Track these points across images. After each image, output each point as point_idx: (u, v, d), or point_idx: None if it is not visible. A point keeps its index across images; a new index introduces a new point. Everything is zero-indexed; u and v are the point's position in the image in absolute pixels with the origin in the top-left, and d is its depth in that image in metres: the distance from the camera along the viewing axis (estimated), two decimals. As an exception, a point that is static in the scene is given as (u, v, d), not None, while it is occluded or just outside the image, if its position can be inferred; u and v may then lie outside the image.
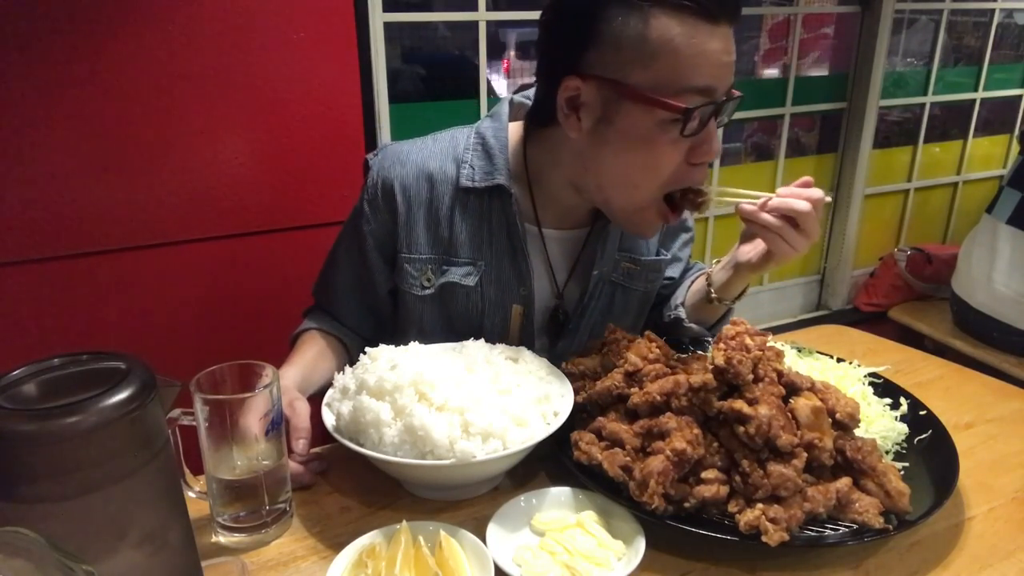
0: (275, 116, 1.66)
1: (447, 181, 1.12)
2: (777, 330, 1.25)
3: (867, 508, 0.79)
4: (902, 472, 0.87)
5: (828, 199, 1.00)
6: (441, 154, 1.13)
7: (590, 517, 0.82)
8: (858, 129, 2.75)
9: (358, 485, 0.93)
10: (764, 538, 0.75)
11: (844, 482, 0.81)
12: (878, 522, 0.78)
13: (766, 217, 0.98)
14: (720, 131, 1.02)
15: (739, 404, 0.80)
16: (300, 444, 0.92)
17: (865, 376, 1.10)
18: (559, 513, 0.84)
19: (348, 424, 0.88)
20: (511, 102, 1.16)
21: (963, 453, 0.90)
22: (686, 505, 0.80)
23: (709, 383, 0.83)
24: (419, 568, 0.74)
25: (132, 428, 0.60)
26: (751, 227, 1.02)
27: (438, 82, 2.10)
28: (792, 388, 0.87)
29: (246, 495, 0.82)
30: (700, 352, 1.10)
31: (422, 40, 2.17)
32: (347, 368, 0.99)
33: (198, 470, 0.84)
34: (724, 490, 0.81)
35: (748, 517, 0.77)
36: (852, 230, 2.90)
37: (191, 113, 1.58)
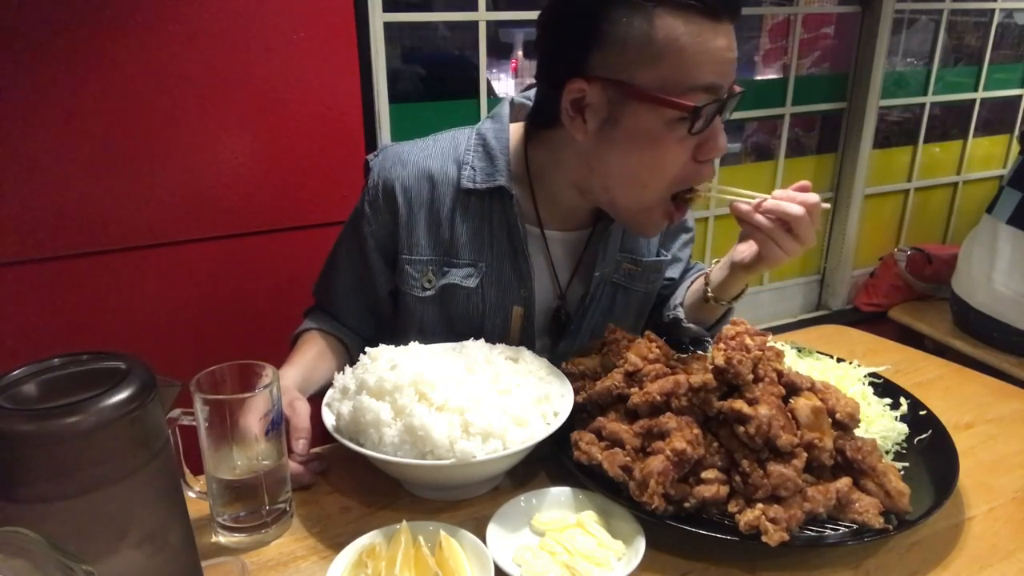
0: (275, 116, 1.66)
1: (448, 182, 1.12)
2: (777, 330, 1.25)
3: (867, 508, 0.79)
4: (902, 472, 0.87)
5: (826, 205, 0.99)
6: (442, 155, 1.13)
7: (590, 517, 0.82)
8: (858, 129, 2.75)
9: (358, 485, 0.93)
10: (764, 538, 0.75)
11: (844, 482, 0.81)
12: (878, 522, 0.78)
13: (759, 218, 0.98)
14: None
15: (739, 404, 0.80)
16: (300, 444, 0.92)
17: (865, 376, 1.10)
18: (559, 513, 0.84)
19: (348, 424, 0.88)
20: (511, 103, 1.16)
21: (963, 453, 0.90)
22: (686, 505, 0.80)
23: (709, 383, 0.83)
24: (419, 568, 0.74)
25: (132, 428, 0.60)
26: (744, 227, 1.02)
27: (438, 82, 2.10)
28: (792, 388, 0.87)
29: (246, 495, 0.82)
30: (700, 352, 1.10)
31: (422, 40, 2.17)
32: (347, 368, 0.99)
33: (198, 470, 0.84)
34: (724, 490, 0.81)
35: (748, 517, 0.77)
36: (852, 230, 2.90)
37: (191, 113, 1.58)
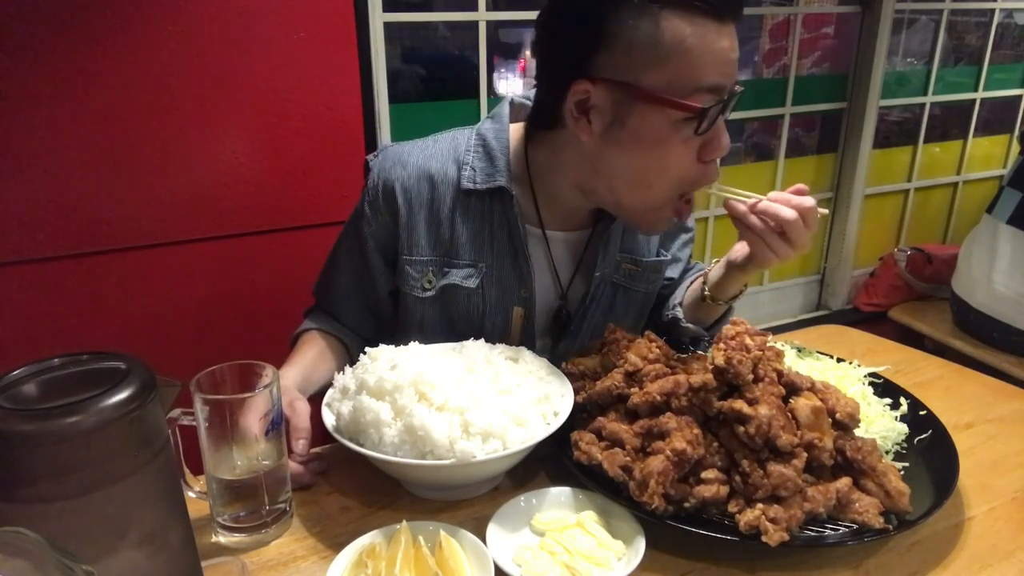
0: (275, 116, 1.66)
1: (448, 183, 1.12)
2: (777, 330, 1.25)
3: (867, 508, 0.79)
4: (902, 472, 0.87)
5: (824, 211, 0.99)
6: (442, 155, 1.13)
7: (590, 517, 0.82)
8: (858, 129, 2.75)
9: (358, 485, 0.93)
10: (764, 538, 0.75)
11: (844, 482, 0.81)
12: (878, 522, 0.78)
13: (752, 219, 0.98)
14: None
15: (739, 404, 0.80)
16: (300, 444, 0.92)
17: (865, 376, 1.10)
18: (559, 513, 0.84)
19: (348, 424, 0.88)
20: (512, 103, 1.16)
21: (963, 453, 0.90)
22: (686, 505, 0.80)
23: (709, 383, 0.83)
24: (419, 568, 0.74)
25: (132, 428, 0.60)
26: (738, 227, 1.02)
27: (438, 82, 2.10)
28: (792, 388, 0.87)
29: (246, 495, 0.82)
30: (700, 352, 1.10)
31: (422, 40, 2.17)
32: (347, 368, 0.99)
33: (198, 470, 0.84)
34: (724, 490, 0.81)
35: (748, 517, 0.77)
36: (852, 230, 2.90)
37: (191, 113, 1.58)
